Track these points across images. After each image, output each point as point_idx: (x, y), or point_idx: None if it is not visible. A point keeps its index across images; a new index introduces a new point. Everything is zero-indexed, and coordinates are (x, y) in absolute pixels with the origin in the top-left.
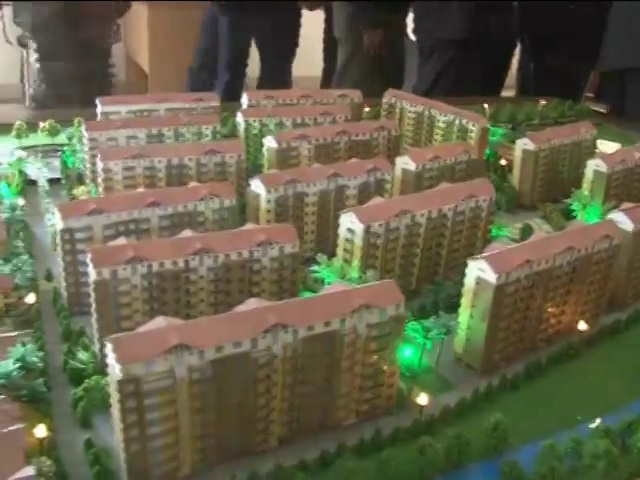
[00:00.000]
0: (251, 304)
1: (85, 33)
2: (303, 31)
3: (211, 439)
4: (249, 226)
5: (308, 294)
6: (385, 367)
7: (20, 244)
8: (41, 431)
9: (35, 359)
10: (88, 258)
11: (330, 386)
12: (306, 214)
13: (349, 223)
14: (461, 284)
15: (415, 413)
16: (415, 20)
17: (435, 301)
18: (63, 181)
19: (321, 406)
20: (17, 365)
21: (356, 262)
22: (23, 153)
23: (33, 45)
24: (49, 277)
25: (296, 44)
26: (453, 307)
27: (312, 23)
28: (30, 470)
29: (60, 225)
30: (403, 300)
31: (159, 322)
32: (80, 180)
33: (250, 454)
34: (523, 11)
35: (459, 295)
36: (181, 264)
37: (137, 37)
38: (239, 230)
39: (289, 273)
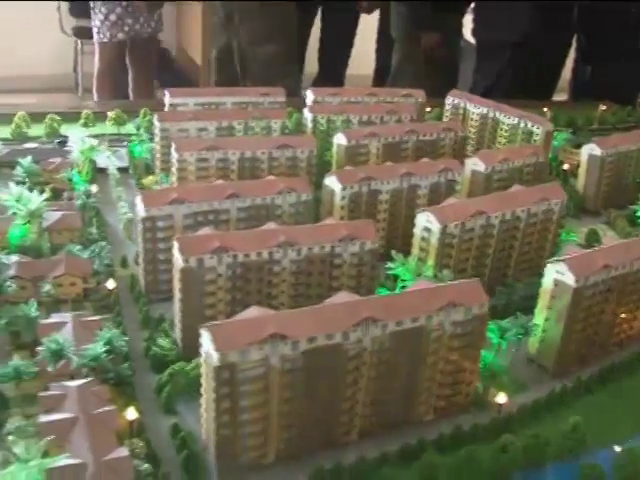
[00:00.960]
0: (342, 297)
1: None
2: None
3: (296, 429)
4: (330, 221)
5: (383, 290)
6: (466, 365)
7: (94, 231)
8: (131, 414)
9: (121, 343)
10: (176, 246)
11: (412, 381)
12: (378, 211)
13: (426, 222)
14: (532, 286)
15: (491, 412)
16: (474, 21)
17: (507, 302)
18: (130, 170)
19: (402, 401)
20: (105, 349)
21: (431, 261)
22: (94, 141)
23: None
24: (124, 264)
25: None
26: (525, 308)
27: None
28: (124, 451)
29: (142, 213)
30: (487, 300)
31: (253, 311)
32: (147, 169)
33: (332, 446)
34: (582, 13)
35: (531, 297)
36: (265, 255)
37: (190, 28)
38: (321, 224)
39: (368, 269)
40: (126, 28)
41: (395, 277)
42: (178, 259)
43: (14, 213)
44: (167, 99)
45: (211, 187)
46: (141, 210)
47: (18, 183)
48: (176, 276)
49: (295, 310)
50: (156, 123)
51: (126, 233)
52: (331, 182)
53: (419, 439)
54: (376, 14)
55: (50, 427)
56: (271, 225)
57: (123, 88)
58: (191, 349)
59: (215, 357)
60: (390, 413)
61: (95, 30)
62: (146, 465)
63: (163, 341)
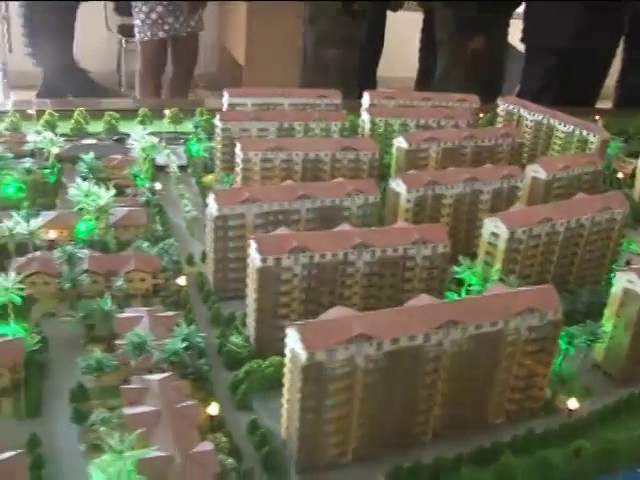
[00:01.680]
0: (422, 300)
1: None
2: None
3: (374, 428)
4: (401, 224)
5: (451, 294)
6: (538, 370)
7: (159, 228)
8: (214, 409)
9: (198, 339)
10: (253, 246)
11: (487, 384)
12: (442, 215)
13: (493, 227)
14: (595, 293)
15: (560, 417)
16: (524, 27)
17: (571, 308)
18: (189, 169)
19: (476, 403)
20: (184, 344)
21: (497, 266)
22: (155, 139)
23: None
24: (190, 261)
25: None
26: (588, 315)
27: (400, 23)
28: (209, 445)
29: (215, 212)
30: (561, 306)
31: (338, 312)
32: (206, 168)
33: (407, 446)
34: (634, 16)
35: (594, 304)
36: (340, 256)
37: (234, 28)
38: (394, 227)
39: (439, 272)
40: (166, 27)
41: (459, 281)
42: (255, 258)
43: (81, 208)
44: (225, 99)
45: (282, 187)
46: (213, 209)
47: (82, 179)
48: (253, 275)
49: (379, 311)
50: (217, 122)
51: (189, 231)
52: (397, 185)
53: (493, 441)
54: (419, 16)
55: (135, 419)
56: (345, 227)
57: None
58: (264, 347)
59: (303, 356)
60: (464, 415)
61: (137, 29)
62: (230, 460)
63: (236, 339)
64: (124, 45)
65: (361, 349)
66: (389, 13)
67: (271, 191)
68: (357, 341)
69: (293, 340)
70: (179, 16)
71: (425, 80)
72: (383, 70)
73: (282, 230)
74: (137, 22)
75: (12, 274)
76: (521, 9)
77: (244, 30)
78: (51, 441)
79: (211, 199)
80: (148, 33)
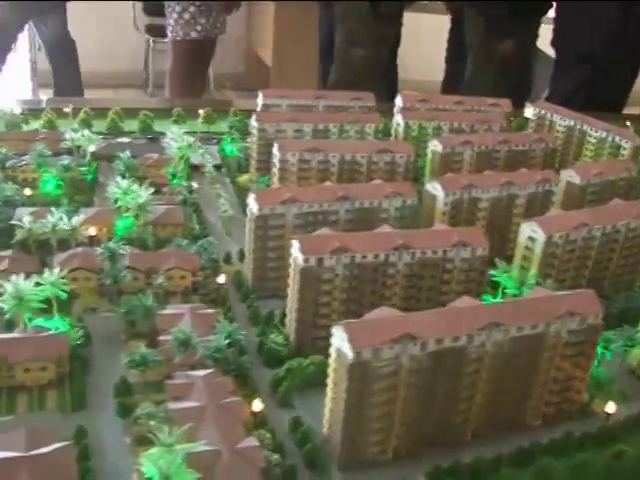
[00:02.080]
0: (465, 301)
1: None
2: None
3: (415, 427)
4: (441, 226)
5: (487, 297)
6: (577, 373)
7: (196, 226)
8: (257, 405)
9: (240, 337)
10: (296, 246)
11: (526, 386)
12: (477, 219)
13: (531, 232)
14: (629, 299)
15: (596, 420)
16: (554, 32)
17: (606, 313)
18: (223, 169)
19: (514, 404)
20: (228, 341)
21: (534, 270)
22: (191, 139)
23: None
24: (228, 260)
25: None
26: (625, 320)
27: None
28: (254, 440)
29: (255, 212)
30: (601, 311)
31: (383, 311)
32: (239, 168)
33: (446, 445)
34: None
35: (628, 309)
36: (382, 257)
37: (262, 30)
38: (433, 230)
39: (477, 275)
40: (199, 27)
41: (494, 284)
42: (298, 258)
43: (120, 206)
44: (260, 99)
45: (321, 189)
46: (254, 208)
47: (120, 177)
48: (295, 274)
49: (423, 312)
50: (254, 123)
51: (226, 230)
52: (433, 188)
53: (532, 442)
54: (446, 19)
55: (181, 414)
56: (386, 228)
57: (194, 86)
58: (304, 345)
59: (349, 354)
60: (502, 416)
61: (169, 28)
62: (276, 455)
63: (276, 337)
64: (152, 45)
65: (406, 349)
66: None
67: (310, 192)
68: (402, 341)
69: (339, 339)
70: (210, 17)
71: (452, 83)
72: (407, 72)
73: (324, 231)
74: (170, 22)
75: (57, 269)
76: (551, 13)
77: (272, 32)
78: (96, 434)
79: (251, 199)
80: (180, 33)
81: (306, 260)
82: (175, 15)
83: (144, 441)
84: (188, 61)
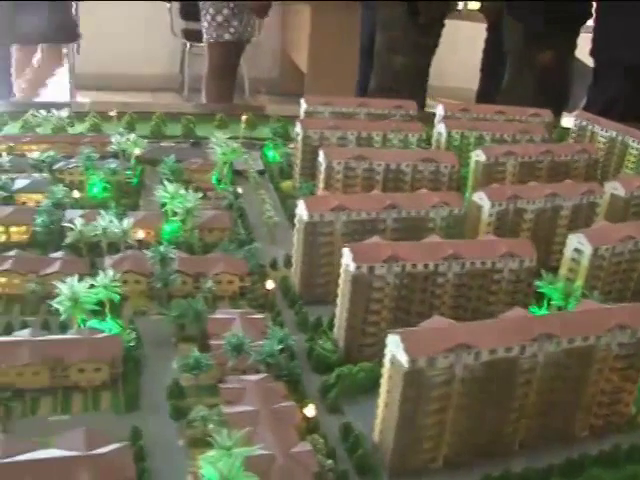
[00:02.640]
0: (517, 313)
1: None
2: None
3: (466, 435)
4: (489, 237)
5: (534, 308)
6: (626, 386)
7: (242, 231)
8: (310, 411)
9: (291, 342)
10: (348, 253)
11: (575, 397)
12: (522, 230)
13: (577, 244)
14: None
15: None
16: (593, 41)
17: None
18: (266, 174)
19: (563, 415)
20: (280, 346)
21: (580, 282)
22: (235, 144)
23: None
24: (274, 265)
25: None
26: None
27: (457, 33)
28: (308, 445)
29: (305, 218)
30: None
31: (437, 321)
32: (281, 174)
33: (494, 455)
34: None
35: None
36: (432, 267)
37: (297, 35)
38: (482, 240)
39: (524, 286)
40: (232, 30)
41: (539, 295)
42: (350, 265)
43: (166, 210)
44: (303, 106)
45: (370, 197)
46: (304, 215)
47: (165, 181)
48: (346, 282)
49: (477, 322)
50: (298, 129)
51: (271, 236)
52: (479, 198)
53: (580, 454)
54: (479, 27)
55: (235, 418)
56: (435, 238)
57: (226, 89)
58: (353, 352)
59: (405, 362)
60: (551, 427)
61: (204, 31)
62: (330, 460)
63: (325, 343)
64: (188, 49)
65: (460, 358)
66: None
67: (359, 200)
68: (457, 350)
69: (394, 346)
70: (242, 20)
71: (487, 91)
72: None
73: (375, 239)
74: (204, 24)
75: (110, 271)
76: (590, 22)
77: (307, 37)
78: (149, 435)
79: (301, 205)
80: (214, 35)
81: (358, 268)
82: (209, 18)
83: (198, 443)
84: (221, 63)
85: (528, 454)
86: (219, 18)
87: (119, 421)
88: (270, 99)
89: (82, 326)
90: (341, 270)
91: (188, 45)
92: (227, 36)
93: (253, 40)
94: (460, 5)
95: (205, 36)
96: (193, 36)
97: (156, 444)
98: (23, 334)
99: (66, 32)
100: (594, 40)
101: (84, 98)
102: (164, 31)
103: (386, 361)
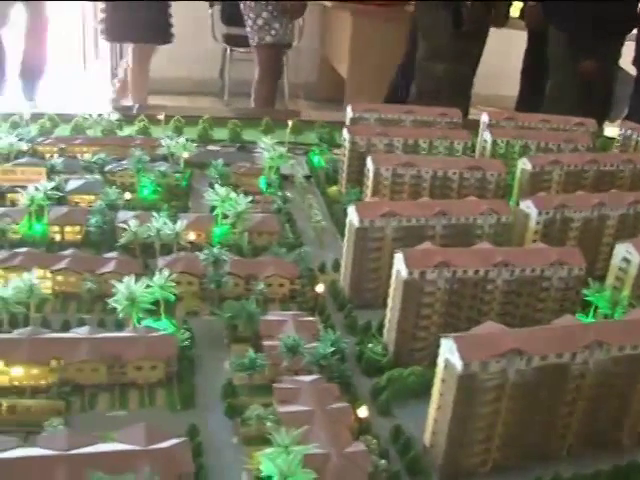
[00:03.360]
0: (567, 320)
1: None
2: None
3: (516, 439)
4: (538, 245)
5: (581, 316)
6: None
7: (290, 235)
8: (363, 412)
9: (343, 345)
10: (400, 258)
11: (622, 405)
12: (568, 238)
13: (625, 253)
14: None
15: None
16: (637, 50)
17: None
18: (312, 179)
19: (611, 423)
20: (333, 349)
21: (627, 291)
22: (283, 149)
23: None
24: (323, 269)
25: None
26: None
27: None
28: (362, 445)
29: (356, 224)
30: None
31: (489, 326)
32: (327, 179)
33: (543, 460)
34: None
35: None
36: (482, 273)
37: (337, 40)
38: (531, 248)
39: (572, 294)
40: (273, 32)
41: (585, 303)
42: (402, 270)
43: (217, 213)
44: (349, 113)
45: (419, 204)
46: (355, 220)
47: (213, 184)
48: (398, 286)
49: (529, 328)
50: (346, 135)
51: (318, 240)
52: (527, 207)
53: (629, 462)
54: (517, 34)
55: (290, 417)
56: (485, 245)
57: (269, 93)
58: (402, 355)
59: (459, 366)
60: (598, 433)
61: (249, 35)
62: (383, 461)
63: (374, 346)
64: (229, 54)
65: (512, 363)
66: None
67: (409, 206)
68: (509, 355)
69: (448, 350)
70: (282, 23)
71: (527, 99)
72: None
73: (426, 245)
74: (247, 28)
75: (165, 272)
76: (634, 31)
77: (348, 42)
78: (204, 432)
79: (352, 211)
80: (256, 38)
81: (410, 273)
82: (250, 22)
83: (252, 441)
84: (268, 65)
85: (575, 461)
86: (260, 21)
87: (174, 418)
88: (308, 104)
89: (138, 325)
90: (392, 275)
91: (229, 50)
92: (269, 38)
93: (293, 45)
94: None
95: (250, 40)
96: (234, 41)
97: (211, 441)
98: (82, 331)
99: (160, 33)
100: (637, 49)
101: (125, 101)
102: (203, 35)
103: (439, 364)
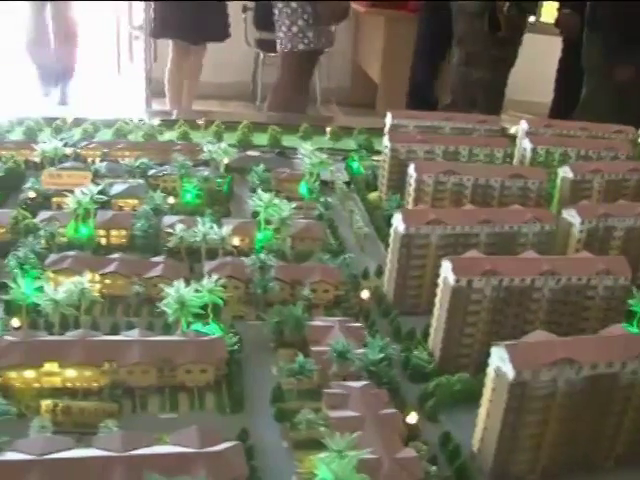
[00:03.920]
0: (616, 329)
1: None
2: None
3: (564, 448)
4: (584, 253)
5: (626, 326)
6: None
7: (332, 242)
8: (413, 418)
9: (391, 352)
10: (448, 266)
11: None
12: (611, 247)
13: None
14: None
15: None
16: None
17: None
18: (352, 185)
19: None
20: (382, 355)
21: None
22: (323, 155)
23: None
24: (366, 276)
25: None
26: None
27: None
28: (412, 451)
29: (402, 231)
30: None
31: (539, 335)
32: (367, 186)
33: (591, 469)
34: None
35: None
36: (528, 282)
37: (370, 46)
38: (577, 256)
39: (618, 303)
40: (306, 40)
41: (629, 313)
42: (449, 278)
43: (260, 219)
44: (388, 119)
45: (464, 211)
46: (401, 227)
47: (253, 190)
48: (445, 294)
49: (579, 337)
50: (386, 142)
51: (360, 246)
52: (570, 215)
53: None
54: (551, 40)
55: (341, 422)
56: (531, 253)
57: (299, 99)
58: (448, 362)
59: (510, 374)
60: None
61: (278, 41)
62: (434, 467)
63: (421, 353)
64: (261, 59)
65: (563, 372)
66: None
67: (454, 214)
68: (560, 364)
69: (499, 358)
70: (317, 30)
71: (561, 106)
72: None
73: (473, 253)
74: (279, 34)
75: (214, 277)
76: None
77: (381, 48)
78: (255, 436)
79: (397, 218)
80: (289, 45)
81: (457, 280)
82: (284, 28)
83: (302, 445)
84: (293, 73)
85: (623, 471)
86: (294, 29)
87: (224, 421)
88: (340, 109)
89: (187, 329)
90: (439, 282)
91: (261, 54)
92: (301, 46)
93: (326, 50)
94: (532, 18)
95: (279, 46)
96: (267, 46)
97: (261, 444)
98: (132, 334)
99: (218, 31)
100: None
101: (159, 105)
102: (236, 40)
103: (489, 372)
